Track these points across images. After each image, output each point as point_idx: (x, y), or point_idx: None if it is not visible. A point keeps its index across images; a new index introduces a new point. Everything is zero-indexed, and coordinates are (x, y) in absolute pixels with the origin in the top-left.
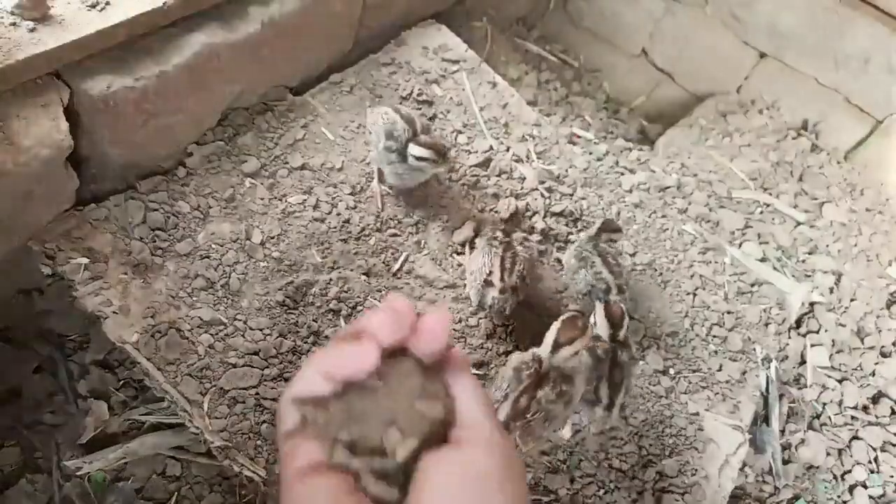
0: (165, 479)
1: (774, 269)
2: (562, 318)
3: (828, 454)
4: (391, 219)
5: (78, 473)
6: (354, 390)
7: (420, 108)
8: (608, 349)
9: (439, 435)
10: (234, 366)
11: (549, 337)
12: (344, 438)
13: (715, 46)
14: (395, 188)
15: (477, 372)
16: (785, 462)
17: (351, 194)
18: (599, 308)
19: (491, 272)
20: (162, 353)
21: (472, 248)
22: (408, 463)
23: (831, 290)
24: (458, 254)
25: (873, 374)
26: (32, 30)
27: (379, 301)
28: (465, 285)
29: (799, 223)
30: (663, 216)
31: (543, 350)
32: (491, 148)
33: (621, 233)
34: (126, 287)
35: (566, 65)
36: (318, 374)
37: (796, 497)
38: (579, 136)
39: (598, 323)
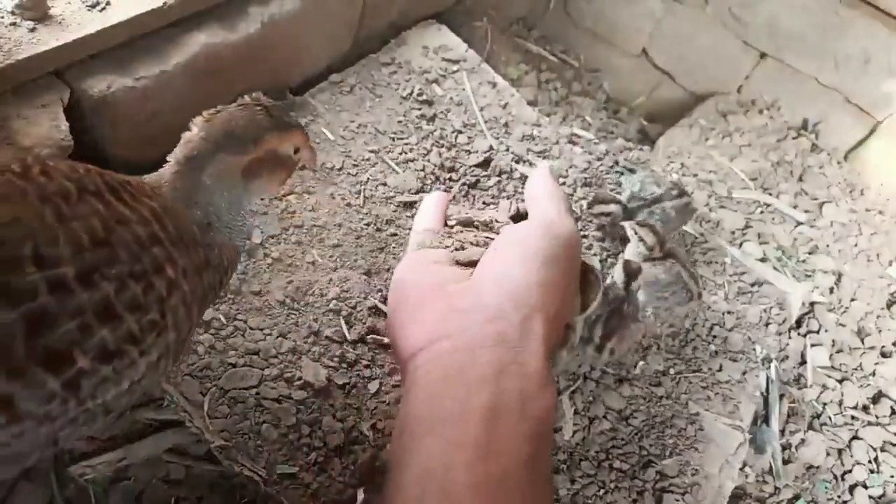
0: (166, 480)
1: (774, 269)
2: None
3: (828, 454)
4: (390, 220)
5: (78, 475)
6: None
7: (420, 108)
8: (618, 296)
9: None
10: (234, 366)
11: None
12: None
13: (715, 46)
14: None
15: None
16: (785, 462)
17: (351, 194)
18: (619, 263)
19: None
20: None
21: None
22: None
23: (831, 290)
24: None
25: (873, 374)
26: (32, 30)
27: (379, 301)
28: None
29: (799, 223)
30: None
31: None
32: (491, 148)
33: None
34: None
35: (566, 65)
36: (429, 211)
37: (796, 497)
38: (579, 136)
39: (615, 273)
